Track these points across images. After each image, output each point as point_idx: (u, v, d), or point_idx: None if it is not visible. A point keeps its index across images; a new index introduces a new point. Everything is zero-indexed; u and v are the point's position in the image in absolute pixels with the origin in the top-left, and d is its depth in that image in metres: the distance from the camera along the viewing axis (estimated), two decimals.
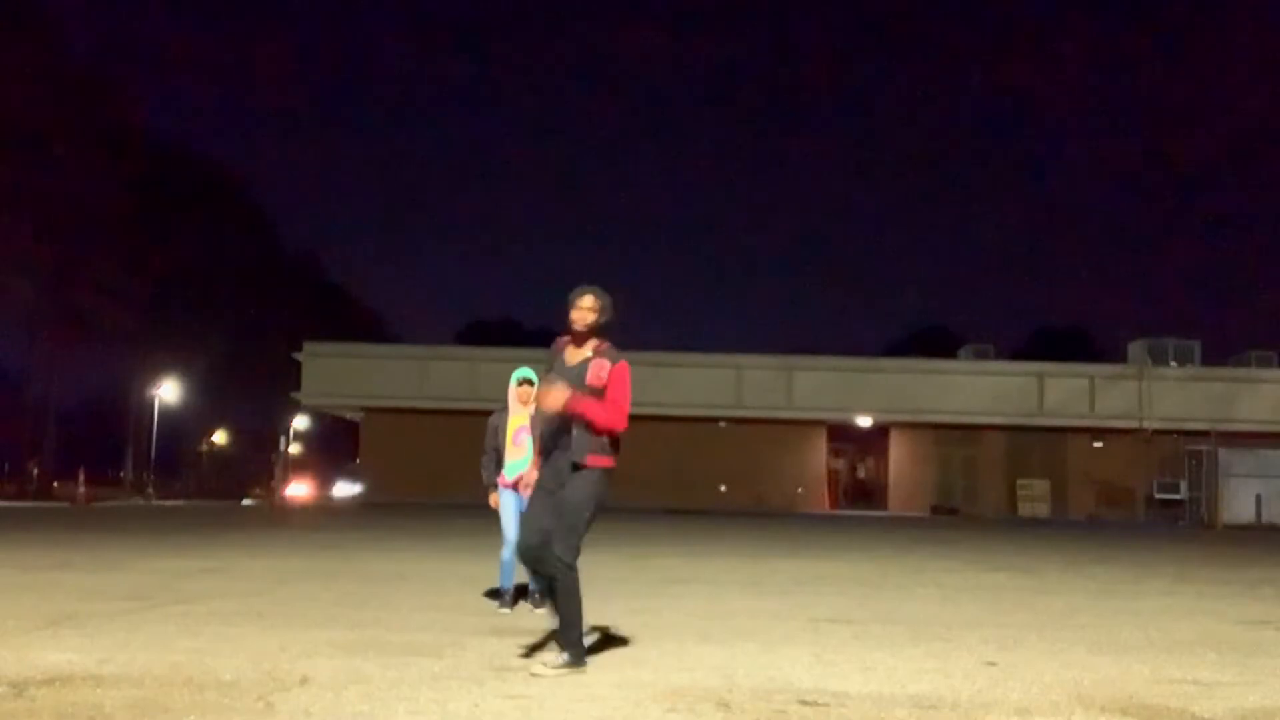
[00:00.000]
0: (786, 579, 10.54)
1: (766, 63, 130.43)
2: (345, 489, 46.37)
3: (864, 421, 39.35)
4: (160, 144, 47.80)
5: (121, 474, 46.43)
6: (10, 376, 49.55)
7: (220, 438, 57.47)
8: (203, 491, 47.37)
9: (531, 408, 6.83)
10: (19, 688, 4.47)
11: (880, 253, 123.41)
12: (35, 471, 43.63)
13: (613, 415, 5.00)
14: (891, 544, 17.38)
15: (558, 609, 5.04)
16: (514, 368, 7.45)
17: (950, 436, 39.37)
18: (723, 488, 38.13)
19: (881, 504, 40.37)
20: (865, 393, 38.61)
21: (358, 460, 43.34)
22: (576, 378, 5.04)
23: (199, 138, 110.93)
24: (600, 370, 5.04)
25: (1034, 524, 31.07)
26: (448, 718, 4.10)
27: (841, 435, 41.07)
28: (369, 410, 40.50)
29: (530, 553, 5.07)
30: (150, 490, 41.11)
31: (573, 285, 5.16)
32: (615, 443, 5.10)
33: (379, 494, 37.77)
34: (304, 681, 4.70)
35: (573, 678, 4.85)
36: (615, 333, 5.25)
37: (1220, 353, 41.62)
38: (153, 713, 4.09)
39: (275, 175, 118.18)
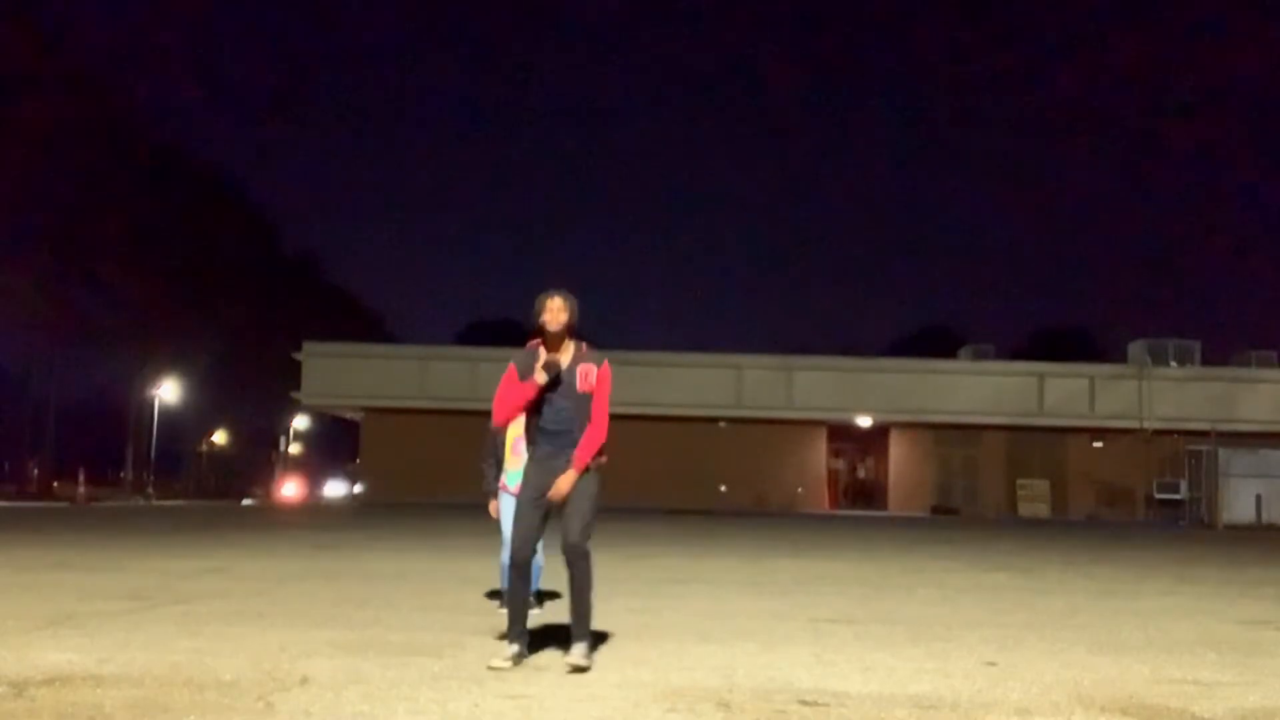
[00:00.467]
0: (786, 579, 10.54)
1: (766, 63, 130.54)
2: (337, 489, 46.36)
3: (864, 421, 39.34)
4: (161, 144, 47.86)
5: (121, 474, 46.39)
6: (10, 376, 49.56)
7: (220, 438, 57.44)
8: (203, 491, 47.37)
9: None
10: (19, 688, 4.47)
11: (881, 253, 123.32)
12: (35, 471, 43.66)
13: (601, 430, 5.23)
14: (891, 544, 17.38)
15: (576, 602, 5.15)
16: None
17: (950, 436, 39.36)
18: (723, 488, 38.10)
19: (882, 504, 40.32)
20: (865, 393, 38.60)
21: (357, 460, 43.34)
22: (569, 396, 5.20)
23: (199, 138, 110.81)
24: (588, 374, 5.22)
25: (1034, 524, 31.05)
26: (448, 718, 4.10)
27: (841, 435, 41.01)
28: (369, 410, 40.47)
29: (524, 558, 5.19)
30: (150, 490, 41.12)
31: (572, 286, 5.29)
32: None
33: (379, 494, 37.77)
34: (304, 681, 4.70)
35: (573, 677, 4.86)
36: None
37: (1220, 353, 41.72)
38: (153, 713, 4.09)
39: (275, 175, 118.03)
